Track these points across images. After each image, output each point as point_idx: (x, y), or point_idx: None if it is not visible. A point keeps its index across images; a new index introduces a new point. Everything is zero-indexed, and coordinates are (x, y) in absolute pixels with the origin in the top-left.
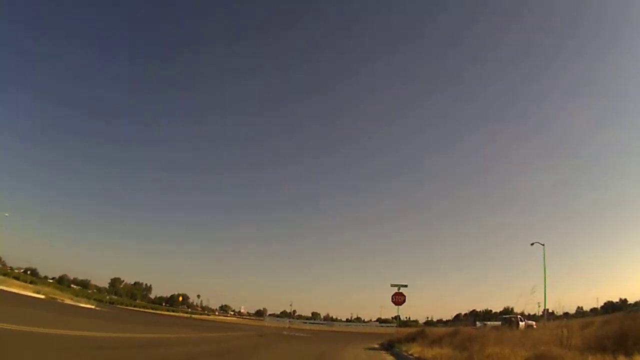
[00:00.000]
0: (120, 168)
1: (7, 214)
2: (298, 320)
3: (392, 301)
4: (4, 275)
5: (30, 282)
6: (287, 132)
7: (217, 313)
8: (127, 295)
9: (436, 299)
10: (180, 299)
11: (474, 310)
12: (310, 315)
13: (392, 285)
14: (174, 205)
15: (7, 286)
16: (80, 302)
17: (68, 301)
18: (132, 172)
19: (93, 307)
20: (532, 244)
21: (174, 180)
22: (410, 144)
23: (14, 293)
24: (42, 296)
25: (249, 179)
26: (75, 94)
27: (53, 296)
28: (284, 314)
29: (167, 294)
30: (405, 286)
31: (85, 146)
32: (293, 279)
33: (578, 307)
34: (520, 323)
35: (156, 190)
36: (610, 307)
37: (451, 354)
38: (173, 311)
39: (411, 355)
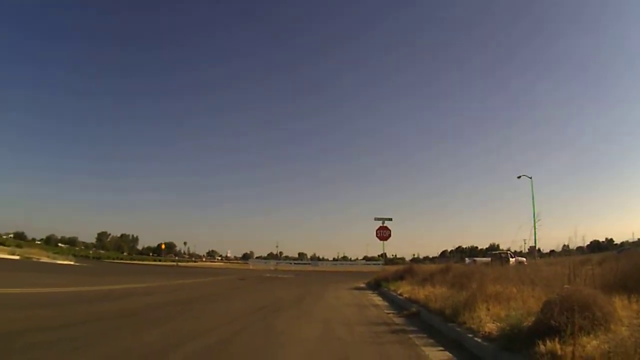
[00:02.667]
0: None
1: None
2: (284, 262)
3: (377, 236)
4: None
5: (16, 246)
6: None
7: (204, 259)
8: (114, 249)
9: (421, 237)
10: (163, 247)
11: (460, 247)
12: (297, 256)
13: (377, 219)
14: (156, 156)
15: None
16: (58, 259)
17: (44, 259)
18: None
19: (71, 262)
20: (519, 177)
21: (154, 131)
22: (392, 80)
23: None
24: (17, 257)
25: (226, 123)
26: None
27: (29, 256)
28: (270, 256)
29: (154, 244)
30: (390, 219)
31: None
32: (279, 221)
33: (564, 245)
34: (511, 259)
35: (138, 145)
36: (596, 247)
37: (447, 293)
38: (160, 260)
39: (400, 295)
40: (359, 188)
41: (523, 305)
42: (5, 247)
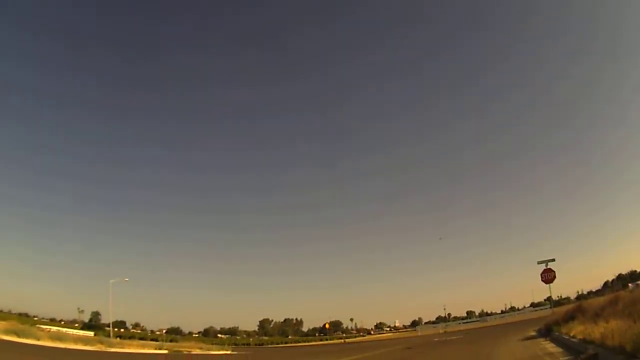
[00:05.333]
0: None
1: (127, 279)
2: (453, 323)
3: (542, 280)
4: (141, 338)
5: (170, 340)
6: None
7: (372, 332)
8: (278, 334)
9: (581, 272)
10: (327, 326)
11: (620, 274)
12: (465, 314)
13: (539, 262)
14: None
15: (121, 347)
16: (212, 350)
17: (196, 351)
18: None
19: (227, 352)
20: None
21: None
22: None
23: (125, 353)
24: (164, 351)
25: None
26: None
27: (179, 349)
28: (439, 319)
29: (319, 324)
30: (553, 260)
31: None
32: (444, 282)
33: None
34: None
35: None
36: None
37: (623, 326)
38: (326, 339)
39: (574, 337)
40: (518, 233)
41: None
42: (153, 342)
